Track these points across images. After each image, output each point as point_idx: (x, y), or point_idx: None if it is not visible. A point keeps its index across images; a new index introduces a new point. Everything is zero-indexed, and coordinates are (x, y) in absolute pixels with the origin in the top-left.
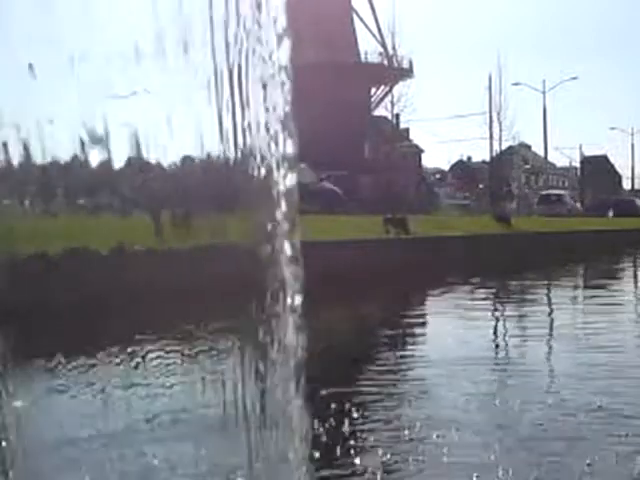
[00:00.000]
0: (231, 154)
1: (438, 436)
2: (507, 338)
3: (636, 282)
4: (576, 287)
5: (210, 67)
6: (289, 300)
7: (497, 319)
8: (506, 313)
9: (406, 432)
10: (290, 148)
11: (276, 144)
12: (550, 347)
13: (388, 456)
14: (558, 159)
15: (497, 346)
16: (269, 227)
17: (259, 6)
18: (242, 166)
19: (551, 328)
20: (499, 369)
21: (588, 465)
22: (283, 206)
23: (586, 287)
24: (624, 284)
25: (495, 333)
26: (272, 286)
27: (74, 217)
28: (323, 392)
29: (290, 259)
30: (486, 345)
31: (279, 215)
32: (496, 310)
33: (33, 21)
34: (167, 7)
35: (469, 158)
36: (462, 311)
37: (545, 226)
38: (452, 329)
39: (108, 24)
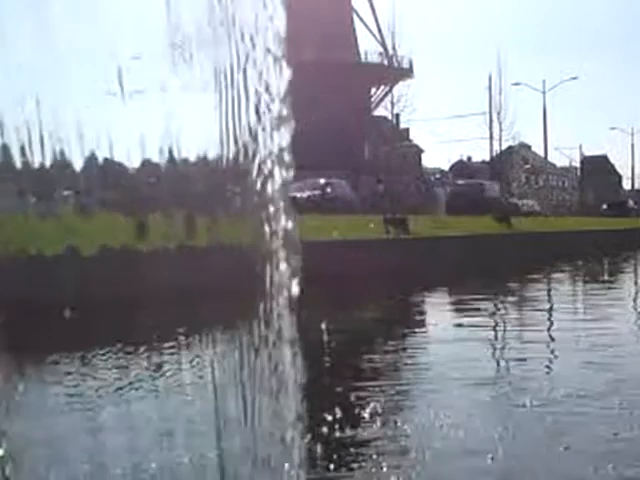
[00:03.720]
0: (227, 154)
1: None
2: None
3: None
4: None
5: (207, 68)
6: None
7: (497, 314)
8: (503, 307)
9: None
10: (287, 148)
11: (273, 144)
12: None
13: None
14: (558, 159)
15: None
16: (265, 229)
17: (258, 6)
18: (238, 166)
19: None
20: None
21: None
22: (280, 207)
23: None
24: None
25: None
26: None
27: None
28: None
29: (287, 263)
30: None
31: (275, 216)
32: (495, 306)
33: (35, 21)
34: (167, 7)
35: (469, 158)
36: (462, 308)
37: (545, 226)
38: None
39: (113, 23)
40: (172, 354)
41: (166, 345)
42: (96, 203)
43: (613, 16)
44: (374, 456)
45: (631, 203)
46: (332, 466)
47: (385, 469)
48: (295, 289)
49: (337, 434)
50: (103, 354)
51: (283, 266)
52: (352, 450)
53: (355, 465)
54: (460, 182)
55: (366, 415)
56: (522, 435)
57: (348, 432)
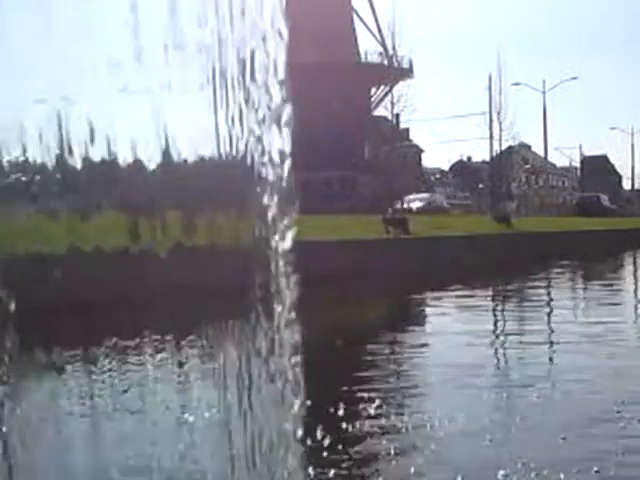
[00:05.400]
0: (227, 154)
1: None
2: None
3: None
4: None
5: (207, 67)
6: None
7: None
8: (501, 305)
9: None
10: (287, 147)
11: (272, 144)
12: None
13: None
14: (558, 159)
15: None
16: (263, 228)
17: (258, 6)
18: (237, 166)
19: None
20: None
21: None
22: (278, 206)
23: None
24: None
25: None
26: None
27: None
28: None
29: (285, 260)
30: None
31: (274, 215)
32: (493, 304)
33: (35, 22)
34: (167, 7)
35: (469, 158)
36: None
37: (544, 226)
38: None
39: (110, 22)
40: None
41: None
42: (95, 203)
43: (613, 16)
44: None
45: None
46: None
47: None
48: (294, 289)
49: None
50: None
51: (282, 265)
52: None
53: None
54: (584, 194)
55: None
56: None
57: None
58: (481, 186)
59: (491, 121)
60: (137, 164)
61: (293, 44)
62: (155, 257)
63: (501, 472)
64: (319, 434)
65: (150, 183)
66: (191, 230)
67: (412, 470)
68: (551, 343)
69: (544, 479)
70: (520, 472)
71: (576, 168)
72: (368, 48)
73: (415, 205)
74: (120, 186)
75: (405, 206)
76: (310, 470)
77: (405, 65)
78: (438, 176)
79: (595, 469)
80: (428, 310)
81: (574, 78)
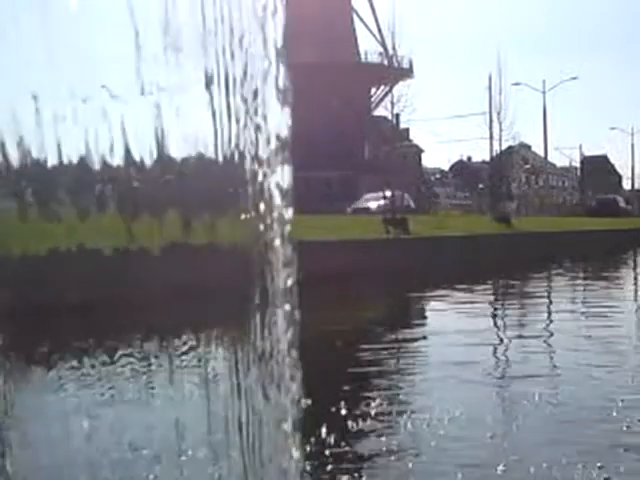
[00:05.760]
0: (225, 154)
1: None
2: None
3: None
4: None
5: (205, 67)
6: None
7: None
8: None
9: None
10: (286, 147)
11: (271, 144)
12: None
13: None
14: (558, 159)
15: None
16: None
17: (258, 6)
18: (235, 166)
19: None
20: None
21: None
22: (277, 206)
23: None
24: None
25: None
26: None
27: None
28: None
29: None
30: None
31: (272, 215)
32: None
33: (32, 21)
34: (164, 7)
35: (469, 158)
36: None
37: (544, 226)
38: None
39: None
40: None
41: None
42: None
43: (613, 16)
44: None
45: None
46: None
47: None
48: (293, 288)
49: None
50: None
51: (280, 266)
52: None
53: None
54: (601, 196)
55: None
56: None
57: None
58: (481, 186)
59: (491, 121)
60: (135, 163)
61: (293, 44)
62: (152, 257)
63: (500, 467)
64: (320, 432)
65: (148, 183)
66: (189, 230)
67: (411, 466)
68: (551, 341)
69: (544, 475)
70: (520, 468)
71: (576, 168)
72: (368, 48)
73: (374, 205)
74: (117, 186)
75: (362, 206)
76: (311, 467)
77: (405, 65)
78: (438, 176)
79: (598, 464)
80: (428, 309)
81: (574, 78)
